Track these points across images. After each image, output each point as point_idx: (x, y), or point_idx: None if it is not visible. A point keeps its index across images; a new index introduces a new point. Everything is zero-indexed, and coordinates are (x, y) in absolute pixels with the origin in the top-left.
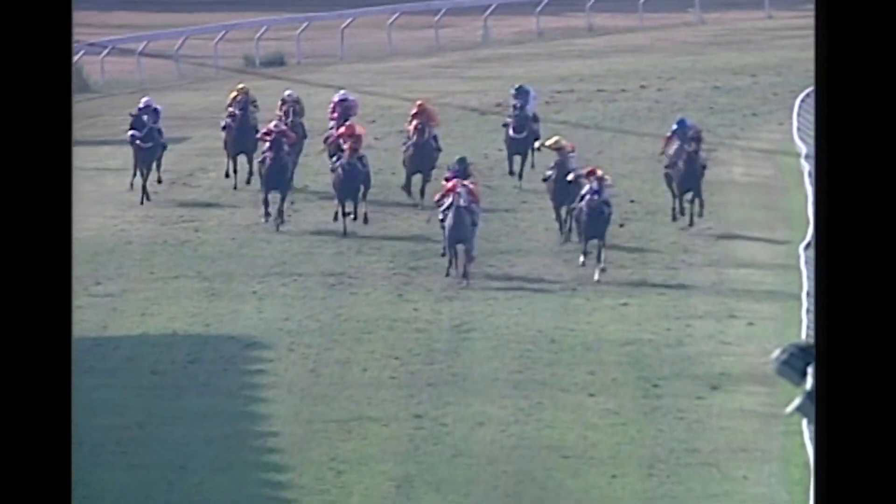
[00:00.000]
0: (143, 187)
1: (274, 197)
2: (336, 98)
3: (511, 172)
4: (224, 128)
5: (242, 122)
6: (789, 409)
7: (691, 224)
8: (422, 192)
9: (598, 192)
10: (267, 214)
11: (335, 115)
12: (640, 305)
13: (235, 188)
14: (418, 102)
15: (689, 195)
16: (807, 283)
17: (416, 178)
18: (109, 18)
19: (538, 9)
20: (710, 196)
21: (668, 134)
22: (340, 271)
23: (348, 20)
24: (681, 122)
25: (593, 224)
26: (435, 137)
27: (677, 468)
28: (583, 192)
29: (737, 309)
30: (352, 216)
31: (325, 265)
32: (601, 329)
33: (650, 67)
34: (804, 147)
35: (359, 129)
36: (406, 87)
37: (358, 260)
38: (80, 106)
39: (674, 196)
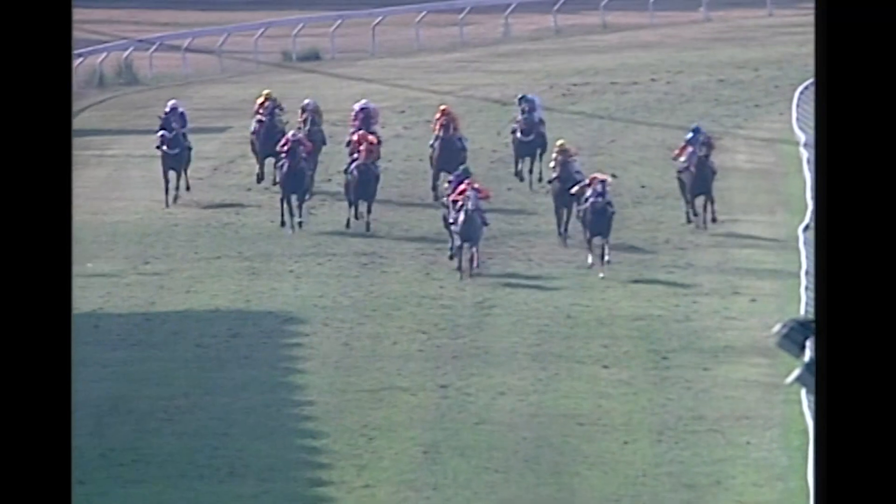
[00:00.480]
0: (168, 189)
1: (293, 201)
2: (357, 106)
3: (517, 174)
4: (253, 132)
5: (269, 126)
6: (789, 379)
7: (706, 226)
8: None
9: (601, 193)
10: (283, 221)
11: (356, 121)
12: (650, 283)
13: (274, 183)
14: (442, 107)
15: (700, 199)
16: (805, 262)
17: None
18: (157, 17)
19: (555, 7)
20: (715, 182)
21: (683, 143)
22: (371, 251)
23: (378, 18)
24: (696, 130)
25: (598, 222)
26: (460, 138)
27: (685, 434)
28: (587, 194)
29: (740, 286)
30: (359, 218)
31: (357, 246)
32: (614, 305)
33: (660, 62)
34: (803, 136)
35: (371, 138)
36: (432, 81)
37: (388, 241)
38: (130, 98)
39: (686, 201)
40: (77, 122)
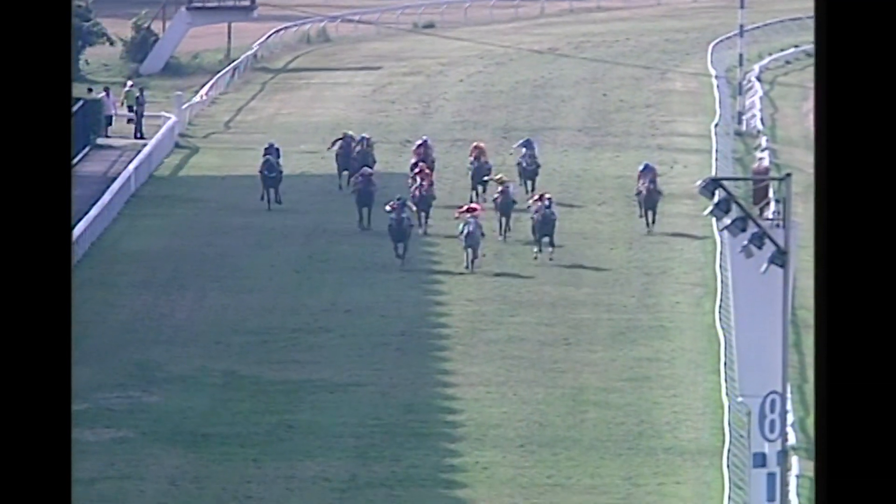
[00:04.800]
0: (269, 200)
1: (364, 211)
2: (419, 141)
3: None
4: (336, 157)
5: (345, 152)
6: (706, 212)
7: (651, 226)
8: (478, 195)
9: (548, 206)
10: (361, 222)
11: (419, 150)
12: (624, 156)
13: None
14: (475, 143)
15: (650, 213)
16: (715, 145)
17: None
18: (340, 2)
19: None
20: (661, 98)
21: (640, 170)
22: (455, 138)
23: (468, 4)
24: (646, 166)
25: (546, 226)
26: (486, 162)
27: (644, 244)
28: (537, 207)
29: (678, 158)
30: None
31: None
32: (604, 169)
33: (631, 28)
34: (714, 71)
35: (427, 171)
36: (500, 40)
37: (471, 130)
38: (324, 50)
39: (642, 211)
40: (294, 63)
